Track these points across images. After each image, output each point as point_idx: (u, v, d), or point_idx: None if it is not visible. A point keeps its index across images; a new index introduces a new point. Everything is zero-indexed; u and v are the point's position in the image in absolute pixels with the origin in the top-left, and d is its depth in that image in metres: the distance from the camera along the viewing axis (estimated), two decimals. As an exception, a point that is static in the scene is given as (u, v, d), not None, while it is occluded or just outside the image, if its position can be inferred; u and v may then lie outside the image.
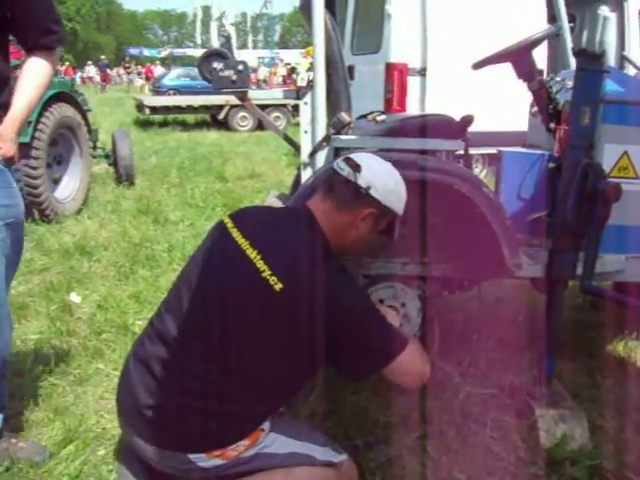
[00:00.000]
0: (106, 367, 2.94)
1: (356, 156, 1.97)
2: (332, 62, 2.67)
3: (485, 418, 2.46)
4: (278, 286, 1.73)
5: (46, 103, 5.44)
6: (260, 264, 1.77)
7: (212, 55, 3.15)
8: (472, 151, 6.86)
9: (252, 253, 1.80)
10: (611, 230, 2.48)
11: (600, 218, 2.38)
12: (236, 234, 1.87)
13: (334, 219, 1.91)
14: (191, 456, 1.79)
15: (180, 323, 1.84)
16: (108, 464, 2.23)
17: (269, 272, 1.75)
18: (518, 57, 2.71)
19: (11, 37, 2.18)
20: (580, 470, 2.14)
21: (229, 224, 1.93)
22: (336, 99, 2.68)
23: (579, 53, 2.41)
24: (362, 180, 1.89)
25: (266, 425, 1.87)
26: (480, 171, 7.60)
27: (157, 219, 5.69)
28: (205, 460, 1.80)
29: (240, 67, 2.90)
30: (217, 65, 2.93)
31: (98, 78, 35.29)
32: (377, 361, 1.84)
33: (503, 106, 6.06)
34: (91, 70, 37.26)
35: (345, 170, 1.91)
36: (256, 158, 10.01)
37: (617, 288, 3.51)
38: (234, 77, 2.89)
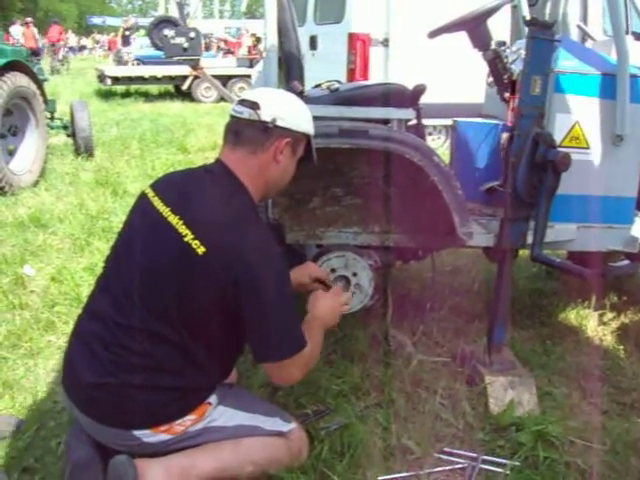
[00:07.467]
0: (58, 340, 2.90)
1: (249, 95, 1.91)
2: (284, 30, 2.63)
3: (436, 386, 2.48)
4: (201, 250, 1.71)
5: (-1, 72, 5.29)
6: (182, 229, 1.75)
7: (162, 22, 3.08)
8: (435, 122, 7.00)
9: (174, 219, 1.77)
10: (563, 199, 2.50)
11: (550, 187, 2.40)
12: (157, 203, 1.84)
13: (252, 164, 1.86)
14: (136, 432, 1.78)
15: (113, 300, 1.81)
16: (57, 437, 2.20)
17: (191, 236, 1.73)
18: (473, 26, 2.68)
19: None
20: (525, 435, 2.17)
21: (150, 194, 1.90)
22: (288, 67, 2.64)
23: (530, 22, 2.41)
24: (265, 115, 1.83)
25: (213, 399, 1.87)
26: (443, 142, 7.62)
27: (115, 191, 5.58)
28: (151, 436, 1.79)
29: (192, 34, 2.84)
30: (168, 32, 2.86)
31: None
32: (270, 352, 1.79)
33: (468, 78, 6.05)
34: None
35: (245, 112, 1.85)
36: (219, 129, 9.69)
37: (572, 257, 3.57)
38: (186, 44, 2.83)
